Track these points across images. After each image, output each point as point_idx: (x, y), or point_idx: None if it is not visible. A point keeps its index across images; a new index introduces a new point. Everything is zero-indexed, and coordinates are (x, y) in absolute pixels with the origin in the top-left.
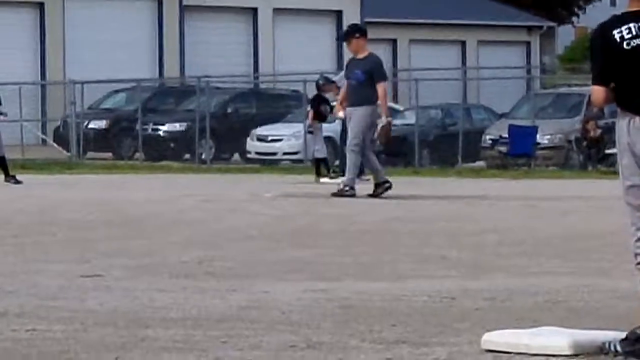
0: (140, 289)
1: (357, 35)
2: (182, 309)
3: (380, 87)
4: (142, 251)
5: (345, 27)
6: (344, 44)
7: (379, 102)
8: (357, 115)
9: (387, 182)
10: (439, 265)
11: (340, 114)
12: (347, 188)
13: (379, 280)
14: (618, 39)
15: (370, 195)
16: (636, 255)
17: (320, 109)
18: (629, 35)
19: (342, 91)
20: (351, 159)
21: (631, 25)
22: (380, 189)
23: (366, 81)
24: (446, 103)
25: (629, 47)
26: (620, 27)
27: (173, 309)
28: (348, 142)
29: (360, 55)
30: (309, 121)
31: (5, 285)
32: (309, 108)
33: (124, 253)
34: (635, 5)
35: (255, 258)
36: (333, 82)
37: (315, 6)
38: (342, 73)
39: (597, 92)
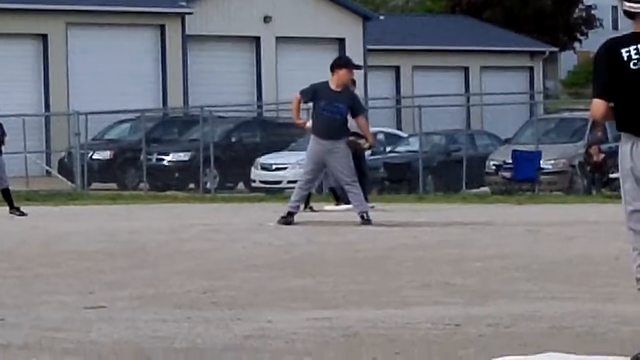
0: (144, 319)
1: (351, 67)
2: (186, 339)
3: (362, 120)
4: (146, 281)
5: (344, 57)
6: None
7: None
8: (342, 150)
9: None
10: (443, 292)
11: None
12: (367, 214)
13: (382, 308)
14: (625, 58)
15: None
16: (638, 280)
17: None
18: (637, 56)
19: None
20: (354, 192)
21: (639, 45)
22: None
23: (346, 116)
24: (450, 129)
25: (636, 68)
26: (628, 46)
27: (177, 339)
28: (343, 179)
29: (339, 88)
30: None
31: (9, 317)
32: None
33: (128, 284)
34: None
35: (259, 287)
36: None
37: (318, 34)
38: None
39: (598, 105)
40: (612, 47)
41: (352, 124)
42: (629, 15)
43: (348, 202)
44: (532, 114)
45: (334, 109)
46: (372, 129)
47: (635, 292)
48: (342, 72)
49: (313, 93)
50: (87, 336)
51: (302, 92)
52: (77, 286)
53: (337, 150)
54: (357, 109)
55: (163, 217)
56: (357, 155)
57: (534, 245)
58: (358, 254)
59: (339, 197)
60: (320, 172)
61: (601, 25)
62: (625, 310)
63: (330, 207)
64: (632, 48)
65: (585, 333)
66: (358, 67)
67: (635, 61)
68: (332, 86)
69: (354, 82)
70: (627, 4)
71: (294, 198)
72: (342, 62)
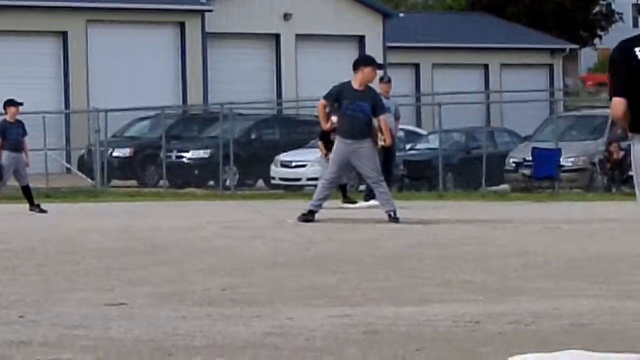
0: (164, 316)
1: (375, 65)
2: (206, 336)
3: (384, 120)
4: (166, 279)
5: (368, 55)
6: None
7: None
8: (368, 149)
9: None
10: (463, 289)
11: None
12: (395, 212)
13: (403, 305)
14: (639, 57)
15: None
16: None
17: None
18: None
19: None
20: (381, 190)
21: None
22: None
23: (370, 115)
24: (469, 127)
25: None
26: None
27: (197, 337)
28: (370, 177)
29: (362, 87)
30: (321, 155)
31: (29, 314)
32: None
33: (148, 281)
34: None
35: (279, 284)
36: None
37: (338, 31)
38: None
39: (619, 104)
40: (626, 47)
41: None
42: None
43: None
44: (552, 111)
45: (357, 108)
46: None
47: None
48: (367, 70)
49: (337, 95)
50: (107, 333)
51: (326, 97)
52: (97, 283)
53: (362, 150)
54: (378, 108)
55: (182, 214)
56: (389, 153)
57: (553, 243)
58: (378, 251)
59: (347, 194)
60: (345, 171)
61: (621, 19)
62: None
63: (348, 204)
64: None
65: (605, 330)
66: (381, 67)
67: None
68: (355, 85)
69: (383, 81)
70: None
71: (317, 197)
72: (367, 60)
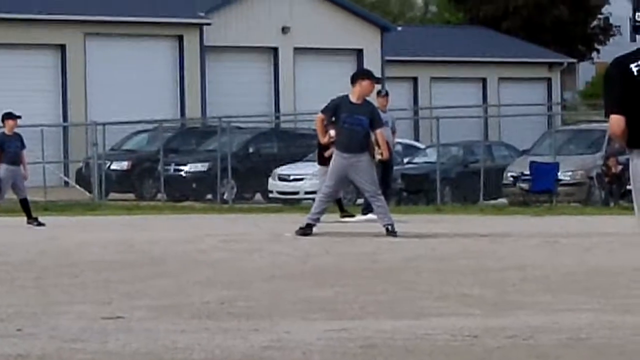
0: (162, 330)
1: (373, 79)
2: (204, 349)
3: (381, 134)
4: (164, 292)
5: (365, 69)
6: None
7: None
8: (365, 162)
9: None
10: (461, 303)
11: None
12: (392, 226)
13: (400, 319)
14: (635, 73)
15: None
16: None
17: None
18: None
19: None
20: (378, 205)
21: None
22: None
23: (368, 128)
24: (467, 140)
25: None
26: (637, 61)
27: (195, 350)
28: (367, 191)
29: (360, 100)
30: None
31: (27, 327)
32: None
33: (146, 294)
34: None
35: (276, 298)
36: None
37: (336, 45)
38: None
39: (618, 122)
40: (621, 63)
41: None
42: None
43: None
44: (550, 125)
45: (354, 121)
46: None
47: None
48: (365, 84)
49: (335, 108)
50: (104, 347)
51: (324, 110)
52: (95, 296)
53: (360, 163)
54: (376, 122)
55: (180, 227)
56: (387, 166)
57: (551, 257)
58: (376, 264)
59: (344, 208)
60: (343, 185)
61: (619, 33)
62: None
63: (347, 219)
64: None
65: (604, 345)
66: (379, 80)
67: None
68: (353, 99)
69: (381, 94)
70: None
71: (315, 210)
72: (365, 74)
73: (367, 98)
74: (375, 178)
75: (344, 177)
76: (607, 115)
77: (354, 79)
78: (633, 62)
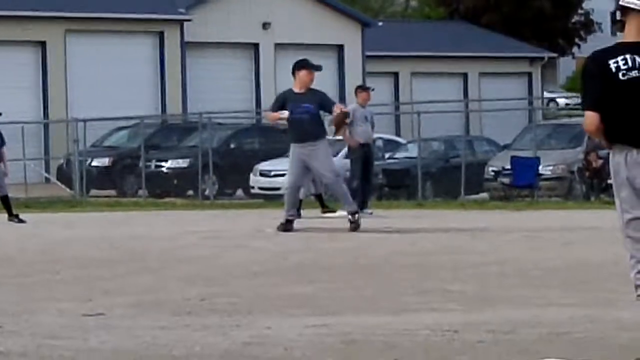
0: (142, 326)
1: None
2: (185, 346)
3: (338, 106)
4: (145, 288)
5: (304, 59)
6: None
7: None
8: (321, 150)
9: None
10: (442, 298)
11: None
12: (356, 215)
13: (381, 314)
14: (614, 69)
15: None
16: (637, 287)
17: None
18: (625, 67)
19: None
20: (339, 191)
21: (627, 56)
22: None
23: (316, 114)
24: (448, 135)
25: (625, 79)
26: (616, 57)
27: (176, 347)
28: (326, 177)
29: (302, 90)
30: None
31: (7, 324)
32: None
33: (127, 291)
34: (630, 37)
35: (257, 294)
36: None
37: (317, 41)
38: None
39: (593, 118)
40: (600, 59)
41: (357, 130)
42: (621, 15)
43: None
44: (531, 120)
45: (301, 110)
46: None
47: (634, 298)
48: (303, 73)
49: (282, 101)
50: (85, 344)
51: (273, 107)
52: (75, 293)
53: (316, 151)
54: (327, 103)
55: (162, 224)
56: (367, 162)
57: (532, 251)
58: (357, 260)
59: (325, 203)
60: (305, 176)
61: (600, 29)
62: (623, 316)
63: (328, 214)
64: (619, 59)
65: (584, 339)
66: (317, 68)
67: (624, 72)
68: (296, 89)
69: (367, 90)
70: None
71: (287, 205)
72: (301, 64)
73: (312, 86)
74: (333, 164)
75: (303, 168)
76: (584, 109)
77: (292, 71)
78: (612, 59)
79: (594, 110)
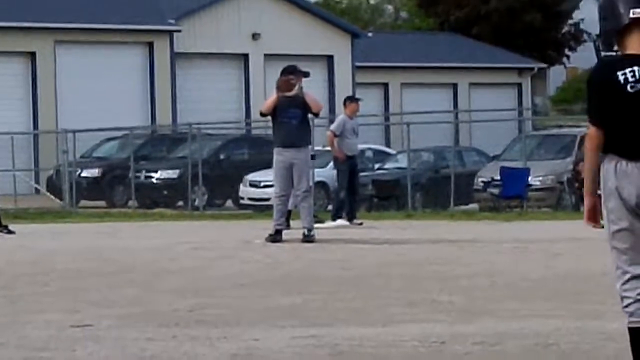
0: (130, 338)
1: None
2: (172, 357)
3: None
4: (133, 300)
5: (292, 65)
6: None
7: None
8: (302, 161)
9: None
10: (430, 309)
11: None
12: (312, 232)
13: (369, 326)
14: (622, 81)
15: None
16: (623, 298)
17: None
18: (633, 79)
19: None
20: (304, 205)
21: (635, 68)
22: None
23: (304, 120)
24: (438, 146)
25: (633, 91)
26: (624, 69)
27: (163, 358)
28: (298, 188)
29: (291, 94)
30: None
31: None
32: None
33: (115, 302)
34: (638, 48)
35: (246, 305)
36: None
37: (306, 51)
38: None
39: (595, 138)
40: (607, 70)
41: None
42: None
43: (348, 218)
44: (521, 130)
45: (289, 114)
46: (361, 146)
47: (621, 309)
48: (282, 80)
49: (274, 106)
50: (72, 355)
51: (264, 112)
52: (63, 304)
53: (298, 161)
54: (310, 105)
55: (151, 234)
56: (353, 173)
57: (520, 263)
58: (345, 271)
59: (314, 214)
60: (291, 183)
61: (590, 39)
62: (610, 327)
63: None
64: (628, 71)
65: (571, 350)
66: (306, 74)
67: (632, 84)
68: (285, 93)
69: (356, 101)
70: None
71: (276, 216)
72: (285, 70)
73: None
74: (309, 178)
75: (289, 175)
76: (589, 122)
77: (280, 75)
78: (620, 70)
79: (596, 125)
